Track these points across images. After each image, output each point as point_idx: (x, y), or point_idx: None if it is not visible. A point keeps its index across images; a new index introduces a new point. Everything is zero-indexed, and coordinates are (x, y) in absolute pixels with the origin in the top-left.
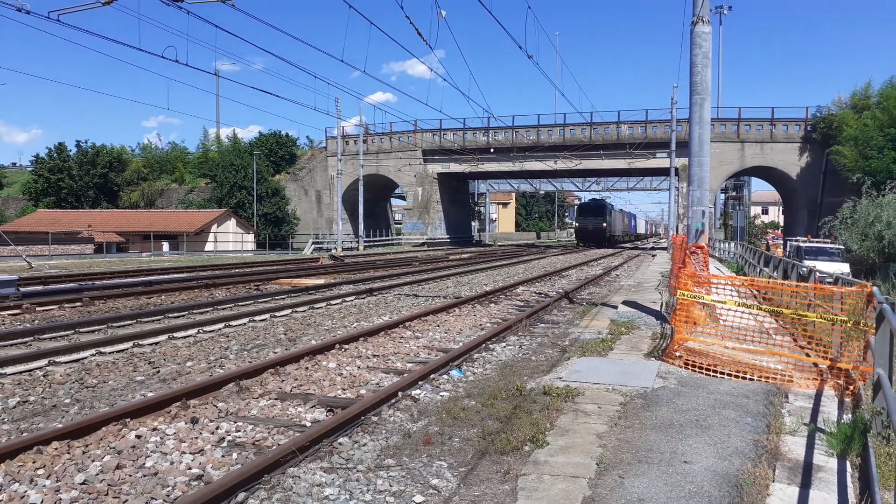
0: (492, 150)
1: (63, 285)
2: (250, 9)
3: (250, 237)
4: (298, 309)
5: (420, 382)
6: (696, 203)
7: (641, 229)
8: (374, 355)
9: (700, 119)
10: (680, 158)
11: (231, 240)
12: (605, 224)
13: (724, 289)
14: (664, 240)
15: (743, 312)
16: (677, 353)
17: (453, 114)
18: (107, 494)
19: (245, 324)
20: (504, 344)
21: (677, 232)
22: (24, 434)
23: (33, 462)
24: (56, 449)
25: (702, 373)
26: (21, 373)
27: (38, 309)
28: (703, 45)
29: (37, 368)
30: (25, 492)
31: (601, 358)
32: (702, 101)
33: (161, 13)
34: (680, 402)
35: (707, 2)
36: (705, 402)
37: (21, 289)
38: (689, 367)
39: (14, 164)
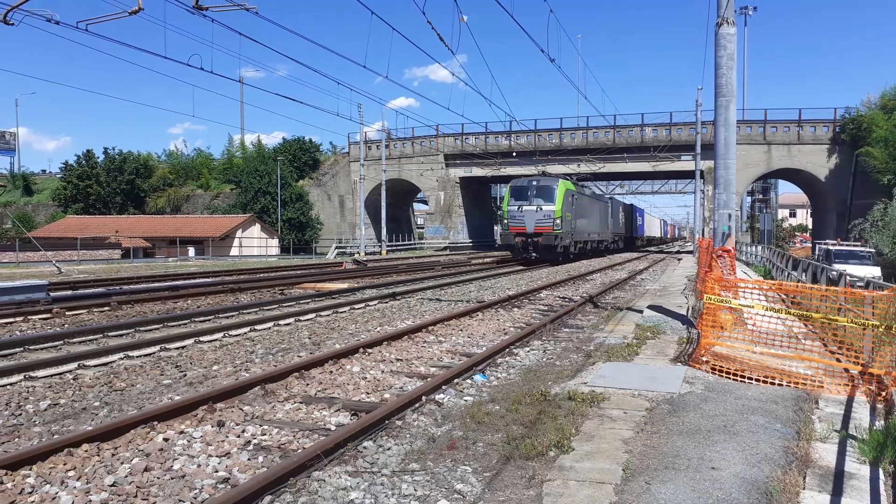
0: (514, 153)
1: (92, 290)
2: (274, 16)
3: (274, 242)
4: (322, 313)
5: (444, 387)
6: (722, 206)
7: (655, 231)
8: (398, 359)
9: (725, 121)
10: (705, 161)
11: (255, 245)
12: (559, 221)
13: (751, 293)
14: (689, 243)
15: (771, 317)
16: (704, 358)
17: (475, 118)
18: (135, 496)
19: (270, 328)
20: (528, 348)
21: (703, 235)
22: (55, 436)
23: (64, 464)
24: (86, 451)
25: (729, 378)
26: (52, 376)
27: (67, 313)
28: (728, 47)
29: (67, 372)
30: (57, 493)
31: (626, 363)
32: (727, 103)
33: (186, 22)
34: (707, 407)
35: (732, 3)
36: (733, 407)
37: (51, 293)
38: (716, 372)
39: (44, 171)
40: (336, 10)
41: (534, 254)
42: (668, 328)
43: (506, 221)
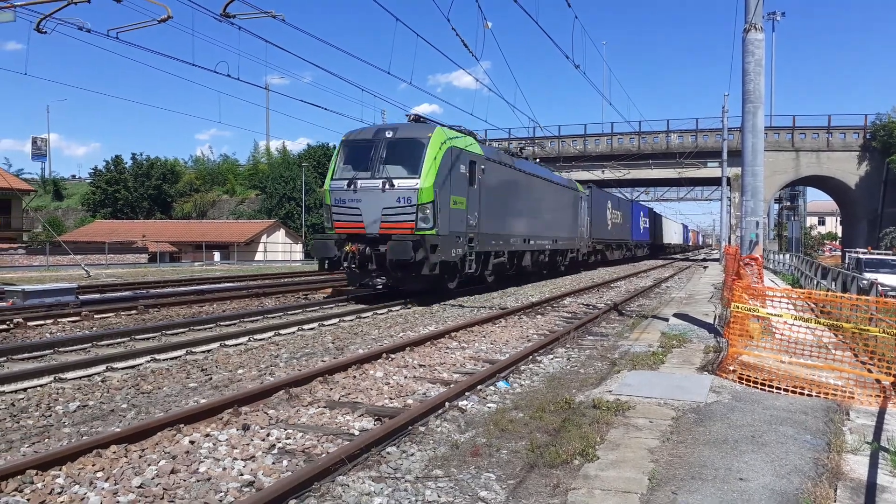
0: (537, 160)
1: (119, 294)
2: (300, 23)
3: (299, 247)
4: (345, 318)
5: (467, 393)
6: (749, 213)
7: (673, 237)
8: (421, 365)
9: (753, 128)
10: (732, 168)
11: (280, 250)
12: (429, 211)
13: (779, 301)
14: (716, 251)
15: (800, 326)
16: (731, 368)
17: (499, 124)
18: (162, 498)
19: (294, 332)
20: (552, 356)
21: (730, 243)
22: (84, 437)
23: (93, 465)
24: (114, 452)
25: (757, 388)
26: (80, 378)
27: (95, 316)
28: (756, 53)
29: (95, 374)
30: (85, 493)
31: (652, 371)
32: (755, 109)
33: (213, 29)
34: (734, 417)
35: (760, 9)
36: (761, 417)
37: (80, 296)
38: (744, 381)
39: (73, 176)
40: (361, 18)
41: (379, 279)
42: (694, 336)
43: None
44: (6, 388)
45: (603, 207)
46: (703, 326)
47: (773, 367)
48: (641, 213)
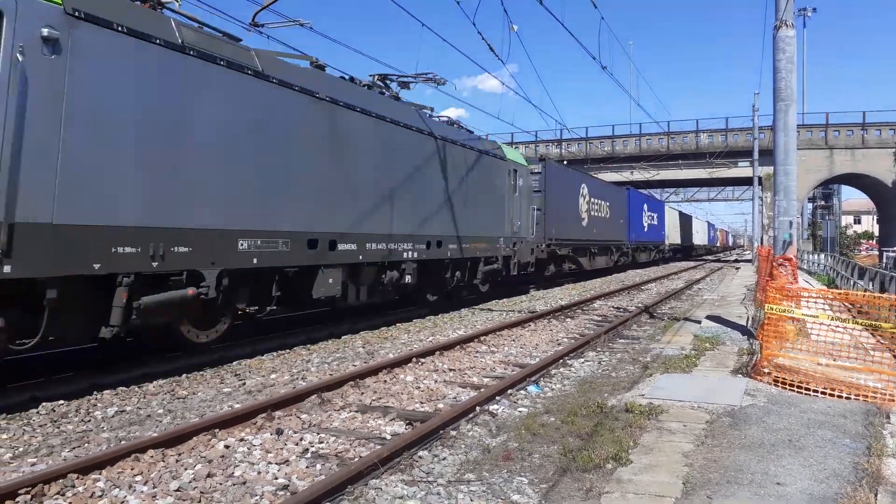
0: (565, 161)
1: None
2: (326, 30)
3: None
4: (375, 322)
5: (497, 397)
6: (782, 213)
7: (695, 236)
8: (451, 369)
9: (785, 126)
10: (763, 167)
11: None
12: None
13: (815, 302)
14: (748, 252)
15: (837, 327)
16: (766, 370)
17: (525, 126)
18: (199, 501)
19: (324, 336)
20: (582, 360)
21: (762, 243)
22: (123, 442)
23: (131, 469)
24: (152, 457)
25: (793, 390)
26: (118, 383)
27: None
28: (788, 50)
29: (132, 380)
30: (125, 497)
31: (685, 375)
32: (786, 107)
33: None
34: (770, 420)
35: (791, 5)
36: (798, 421)
37: None
38: (779, 384)
39: None
40: (387, 23)
41: None
42: (727, 339)
43: None
44: (47, 393)
45: (570, 193)
46: (735, 328)
47: (809, 369)
48: (646, 207)
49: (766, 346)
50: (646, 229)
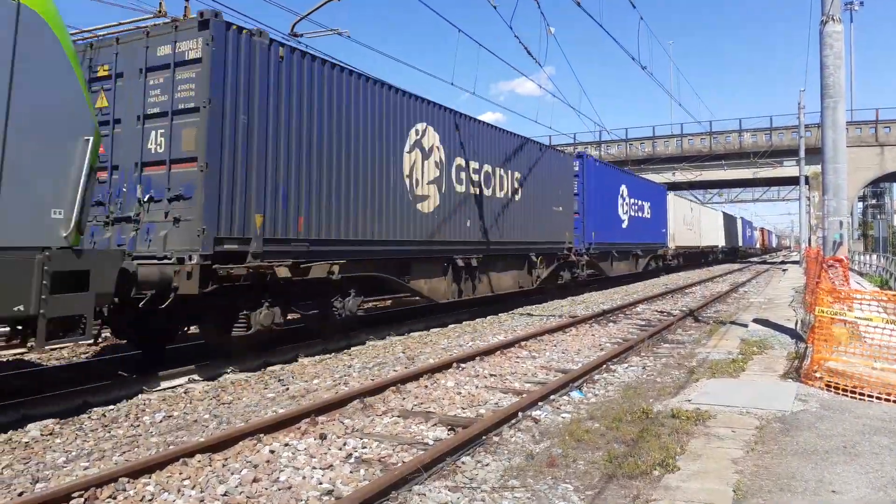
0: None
1: None
2: (364, 38)
3: None
4: (415, 327)
5: (540, 403)
6: (832, 213)
7: (710, 235)
8: (491, 374)
9: (833, 123)
10: (810, 166)
11: None
12: None
13: (868, 304)
14: (795, 253)
15: (892, 330)
16: (817, 374)
17: (563, 129)
18: None
19: (365, 342)
20: (626, 365)
21: (810, 244)
22: (171, 447)
23: (180, 473)
24: (199, 461)
25: (846, 395)
26: (164, 389)
27: None
28: (835, 46)
29: (178, 386)
30: (174, 501)
31: (732, 379)
32: (835, 104)
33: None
34: (823, 426)
35: None
36: (852, 427)
37: None
38: (832, 388)
39: None
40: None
41: None
42: (775, 343)
43: None
44: (97, 398)
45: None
46: (784, 332)
47: (863, 373)
48: (625, 188)
49: (817, 350)
50: (625, 226)
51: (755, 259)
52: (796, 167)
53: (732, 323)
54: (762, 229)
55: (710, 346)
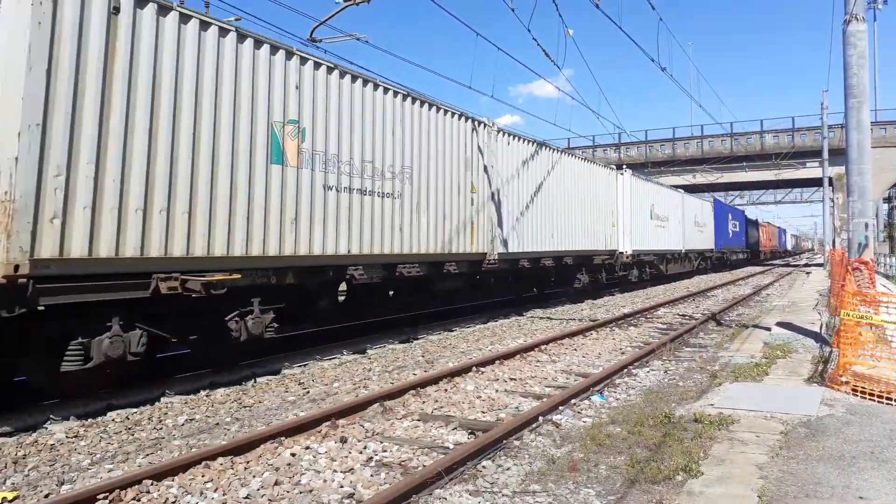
0: (623, 166)
1: None
2: (382, 43)
3: None
4: (433, 331)
5: (560, 407)
6: (857, 215)
7: (693, 237)
8: (511, 378)
9: (858, 124)
10: (833, 167)
11: None
12: None
13: (895, 307)
14: (818, 255)
15: None
16: (843, 379)
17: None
18: None
19: (384, 346)
20: (648, 369)
21: (834, 246)
22: (193, 449)
23: (202, 476)
24: (221, 464)
25: (873, 400)
26: (187, 392)
27: None
28: (859, 45)
29: (200, 388)
30: (197, 503)
31: (756, 383)
32: (859, 104)
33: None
34: (850, 431)
35: None
36: (880, 432)
37: None
38: (858, 393)
39: None
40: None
41: None
42: (799, 346)
43: None
44: (120, 401)
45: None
46: (808, 335)
47: (890, 377)
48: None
49: (843, 354)
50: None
51: (778, 262)
52: (819, 168)
53: (755, 326)
54: (764, 225)
55: (733, 349)
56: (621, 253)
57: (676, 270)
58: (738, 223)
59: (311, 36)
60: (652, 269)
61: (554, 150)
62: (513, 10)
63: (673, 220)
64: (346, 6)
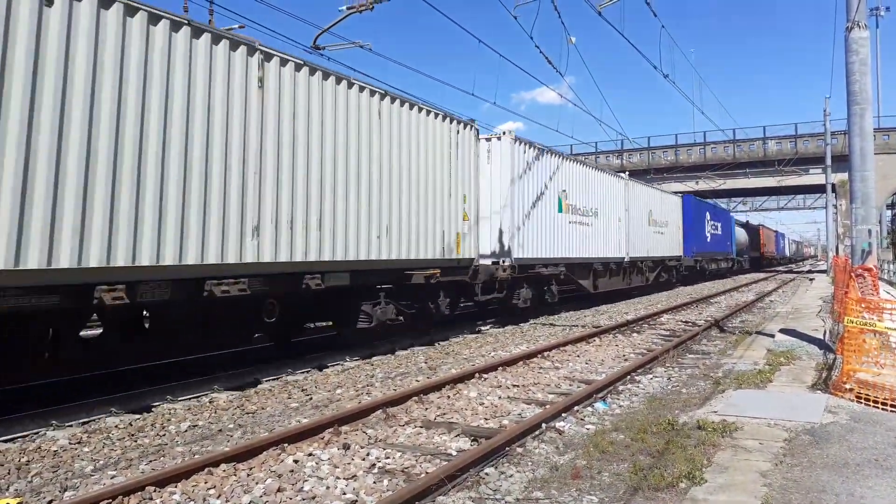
0: (626, 172)
1: None
2: (386, 51)
3: None
4: (436, 337)
5: (564, 414)
6: (860, 221)
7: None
8: (514, 385)
9: (861, 130)
10: (836, 174)
11: None
12: None
13: None
14: (822, 262)
15: None
16: (847, 386)
17: (585, 138)
18: None
19: (388, 353)
20: (651, 375)
21: (837, 253)
22: (196, 456)
23: (205, 482)
24: (224, 471)
25: (877, 407)
26: (189, 399)
27: None
28: (861, 52)
29: (203, 395)
30: None
31: (759, 390)
32: (862, 111)
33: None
34: (854, 439)
35: (863, 5)
36: (884, 439)
37: None
38: (862, 400)
39: None
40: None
41: None
42: (803, 353)
43: None
44: (124, 407)
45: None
46: (812, 342)
47: (895, 385)
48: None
49: (847, 361)
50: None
51: (781, 268)
52: (822, 175)
53: (759, 333)
54: (765, 229)
55: (736, 356)
56: (486, 265)
57: (613, 287)
58: (719, 224)
59: (314, 43)
60: (566, 284)
61: None
62: (515, 18)
63: (608, 215)
64: (350, 14)
